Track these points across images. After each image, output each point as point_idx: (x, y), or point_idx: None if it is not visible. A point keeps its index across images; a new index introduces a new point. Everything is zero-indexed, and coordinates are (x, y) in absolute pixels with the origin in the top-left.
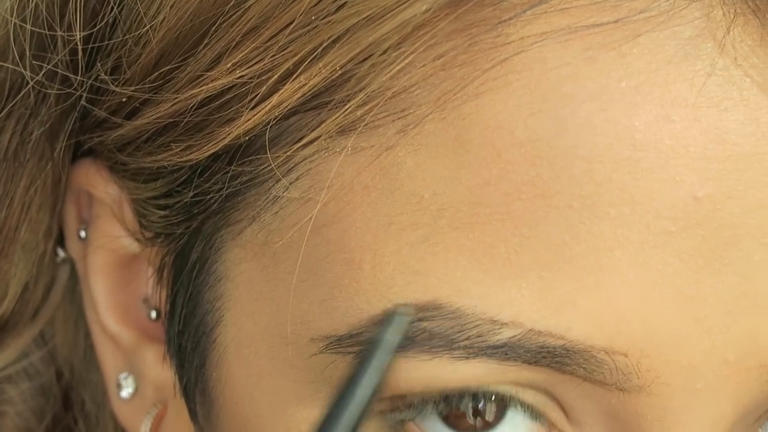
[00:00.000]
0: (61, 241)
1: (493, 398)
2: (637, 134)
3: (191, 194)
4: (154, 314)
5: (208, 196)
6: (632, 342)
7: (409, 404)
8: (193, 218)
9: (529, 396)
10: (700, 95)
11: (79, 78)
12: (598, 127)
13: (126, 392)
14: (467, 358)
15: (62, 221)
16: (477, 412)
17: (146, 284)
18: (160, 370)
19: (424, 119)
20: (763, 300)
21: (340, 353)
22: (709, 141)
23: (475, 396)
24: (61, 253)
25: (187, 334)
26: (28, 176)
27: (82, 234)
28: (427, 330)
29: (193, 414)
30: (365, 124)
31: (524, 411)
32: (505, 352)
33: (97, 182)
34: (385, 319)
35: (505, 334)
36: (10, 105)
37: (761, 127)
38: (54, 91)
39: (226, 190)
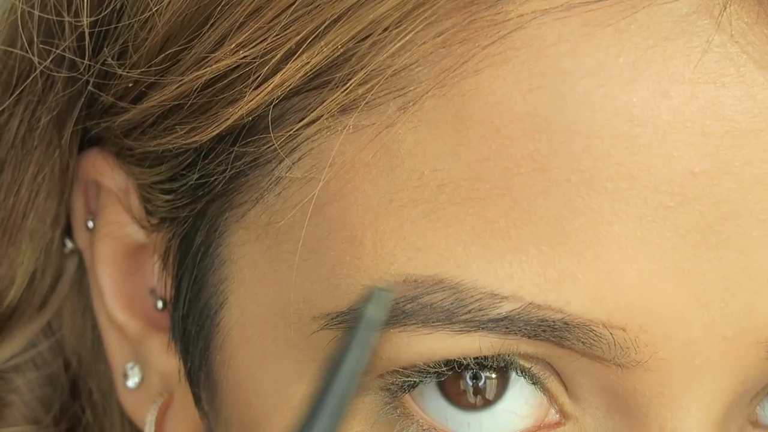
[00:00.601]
0: (68, 232)
1: (494, 366)
2: (634, 110)
3: (196, 177)
4: (160, 304)
5: (212, 178)
6: (631, 316)
7: (408, 376)
8: (198, 201)
9: (530, 366)
10: (697, 71)
11: (86, 62)
12: (596, 102)
13: (132, 382)
14: (468, 331)
15: (70, 212)
16: (478, 390)
17: (153, 275)
18: (166, 360)
19: (424, 96)
20: (761, 276)
21: (341, 329)
22: (706, 117)
23: (477, 364)
24: (69, 244)
25: (192, 318)
26: (36, 163)
27: (90, 224)
28: (427, 304)
29: (197, 399)
30: (366, 103)
31: (525, 378)
32: (506, 325)
33: (104, 170)
34: (366, 296)
35: (505, 308)
36: (19, 91)
37: (758, 104)
38: (63, 74)
39: (229, 171)
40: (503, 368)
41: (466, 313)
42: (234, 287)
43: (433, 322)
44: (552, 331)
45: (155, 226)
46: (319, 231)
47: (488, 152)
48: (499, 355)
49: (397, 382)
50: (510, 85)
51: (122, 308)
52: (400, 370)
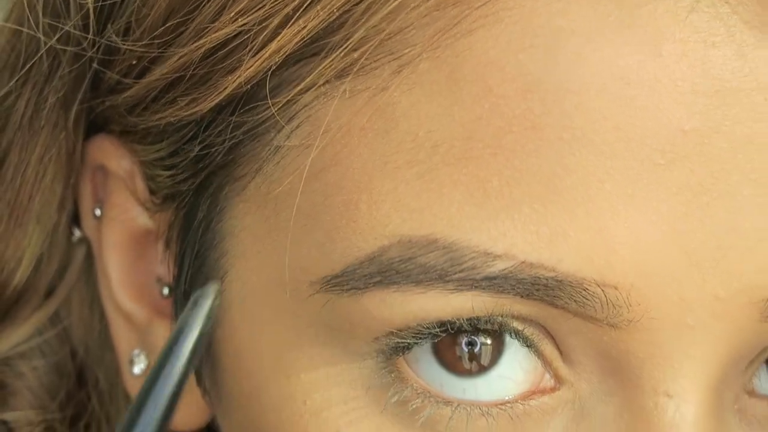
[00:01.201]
0: (77, 220)
1: (488, 329)
2: (625, 67)
3: (196, 149)
4: (166, 291)
5: (213, 149)
6: (622, 274)
7: (402, 338)
8: (198, 174)
9: (524, 326)
10: (686, 30)
11: (90, 37)
12: (587, 60)
13: (138, 368)
14: (461, 290)
15: (78, 199)
16: (473, 356)
17: (159, 262)
18: None
19: (418, 59)
20: (752, 235)
21: (336, 292)
22: (696, 75)
23: (471, 326)
24: (77, 233)
25: (194, 291)
26: (43, 145)
27: (97, 212)
28: (421, 264)
29: (199, 379)
30: (361, 67)
31: (519, 341)
32: (499, 284)
33: (110, 154)
34: (192, 299)
35: (498, 266)
36: (26, 71)
37: (748, 63)
38: (70, 49)
39: (229, 141)
40: (497, 333)
41: (459, 272)
42: (234, 261)
43: (426, 282)
44: (545, 289)
45: (159, 206)
46: (316, 197)
47: (481, 112)
48: (492, 315)
49: (391, 344)
50: (502, 44)
51: (129, 295)
52: (395, 331)
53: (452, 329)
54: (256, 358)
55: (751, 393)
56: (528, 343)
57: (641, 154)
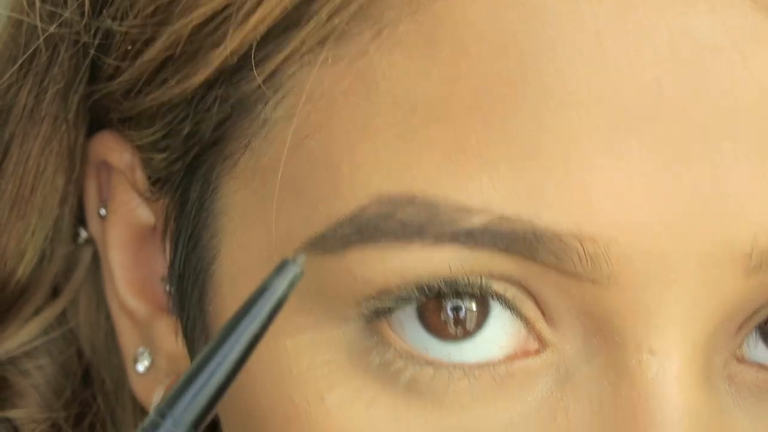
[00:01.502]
0: (83, 222)
1: (470, 293)
2: (600, 24)
3: (187, 127)
4: (171, 292)
5: (203, 125)
6: (600, 228)
7: (383, 302)
8: (190, 151)
9: (507, 289)
10: None
11: (85, 21)
12: (562, 18)
13: (142, 366)
14: (439, 244)
15: (83, 199)
16: (458, 321)
17: (162, 260)
18: (173, 341)
19: (397, 21)
20: (731, 189)
21: (318, 253)
22: (672, 33)
23: (451, 289)
24: (83, 233)
25: (187, 276)
26: (43, 137)
27: (102, 212)
28: (400, 220)
29: None
30: (342, 33)
31: (501, 304)
32: (476, 238)
33: (112, 148)
34: (279, 265)
35: (476, 220)
36: (27, 62)
37: (726, 22)
38: (68, 31)
39: (217, 116)
40: (480, 297)
41: (437, 226)
42: (226, 239)
43: (405, 237)
44: (523, 243)
45: (156, 194)
46: (300, 164)
47: (458, 72)
48: (471, 275)
49: (372, 308)
50: (479, 5)
51: (132, 293)
52: (375, 295)
53: (430, 293)
54: None
55: (741, 359)
56: (510, 305)
57: (618, 111)
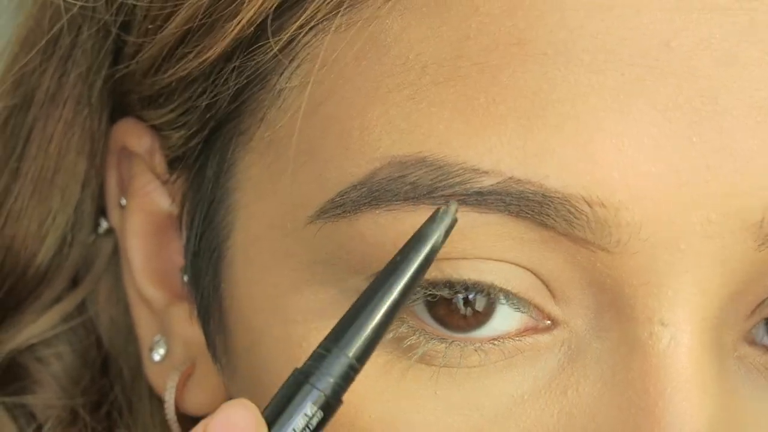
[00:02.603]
0: (104, 213)
1: (477, 293)
2: None
3: (205, 102)
4: (186, 278)
5: (220, 97)
6: (609, 191)
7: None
8: (207, 125)
9: (513, 283)
10: None
11: None
12: None
13: (158, 354)
14: None
15: (104, 190)
16: (468, 302)
17: (181, 253)
18: (189, 328)
19: None
20: (742, 155)
21: (330, 218)
22: None
23: (460, 289)
24: (104, 224)
25: (202, 253)
26: (66, 120)
27: (123, 202)
28: (410, 182)
29: (209, 343)
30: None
31: (509, 303)
32: (486, 199)
33: (132, 133)
34: (433, 213)
35: (485, 182)
36: (50, 45)
37: None
38: (93, 11)
39: (234, 87)
40: (488, 295)
41: (447, 188)
42: (240, 213)
43: (415, 198)
44: (532, 205)
45: (174, 174)
46: (314, 132)
47: (468, 31)
48: (484, 285)
49: None
50: None
51: (150, 281)
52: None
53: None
54: (257, 308)
55: (752, 342)
56: (517, 306)
57: (626, 70)
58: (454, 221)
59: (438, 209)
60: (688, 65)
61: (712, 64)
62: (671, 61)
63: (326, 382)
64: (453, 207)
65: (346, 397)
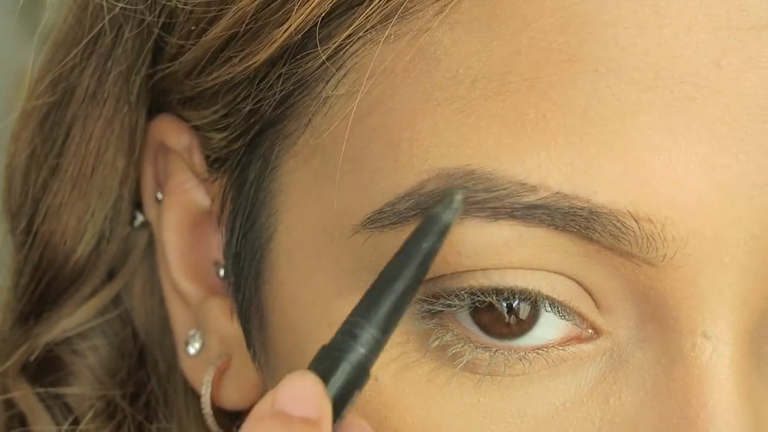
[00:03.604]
0: (140, 206)
1: (523, 300)
2: (661, 0)
3: (249, 106)
4: (222, 273)
5: (264, 103)
6: (657, 207)
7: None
8: (250, 129)
9: (559, 291)
10: None
11: (149, 0)
12: None
13: (193, 348)
14: (495, 218)
15: (141, 184)
16: (512, 311)
17: (216, 248)
18: (225, 322)
19: None
20: None
21: (376, 228)
22: (731, 10)
23: (507, 295)
24: (140, 217)
25: (244, 255)
26: (106, 118)
27: (159, 196)
28: None
29: (249, 341)
30: (405, 10)
31: (555, 311)
32: (532, 214)
33: (170, 130)
34: (441, 198)
35: (533, 197)
36: (91, 43)
37: None
38: (135, 12)
39: (279, 94)
40: (534, 303)
41: (494, 200)
42: (283, 217)
43: (462, 212)
44: (579, 220)
45: (214, 174)
46: (361, 141)
47: (519, 46)
48: (527, 292)
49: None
50: None
51: (186, 276)
52: (429, 299)
53: (488, 295)
54: (301, 311)
55: None
56: (563, 314)
57: (676, 87)
58: (462, 206)
59: (447, 192)
60: (736, 83)
61: (760, 82)
62: (720, 79)
63: (358, 352)
64: (461, 193)
65: (390, 403)
